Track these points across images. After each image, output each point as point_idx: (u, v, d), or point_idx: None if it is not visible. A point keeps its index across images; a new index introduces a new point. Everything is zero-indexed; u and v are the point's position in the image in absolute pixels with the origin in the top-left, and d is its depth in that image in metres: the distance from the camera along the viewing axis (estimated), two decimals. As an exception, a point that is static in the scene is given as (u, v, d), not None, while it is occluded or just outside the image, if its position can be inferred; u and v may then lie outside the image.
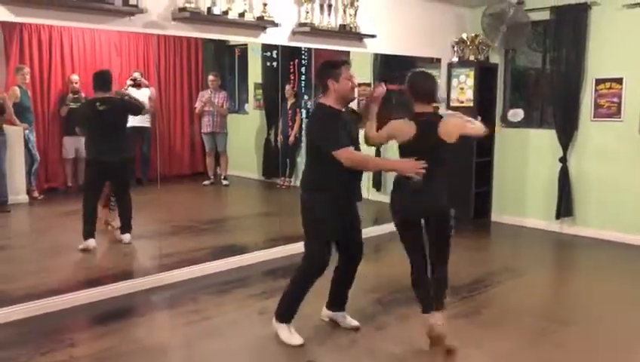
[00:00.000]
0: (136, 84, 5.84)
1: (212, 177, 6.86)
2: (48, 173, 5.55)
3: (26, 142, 5.08)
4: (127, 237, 4.97)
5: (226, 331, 3.62)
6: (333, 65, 3.38)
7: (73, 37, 5.47)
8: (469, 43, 6.46)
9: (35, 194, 5.20)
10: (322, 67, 3.45)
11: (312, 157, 3.49)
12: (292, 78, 6.73)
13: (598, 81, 5.90)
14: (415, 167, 3.21)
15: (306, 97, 6.98)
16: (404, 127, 3.31)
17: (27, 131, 5.05)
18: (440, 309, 3.35)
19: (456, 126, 3.37)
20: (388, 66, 6.68)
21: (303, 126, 6.80)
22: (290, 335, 3.41)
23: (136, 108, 5.13)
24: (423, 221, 3.47)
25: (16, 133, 5.01)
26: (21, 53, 5.13)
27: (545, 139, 6.31)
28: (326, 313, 3.71)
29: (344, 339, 3.52)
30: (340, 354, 3.36)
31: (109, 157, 4.77)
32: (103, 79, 4.92)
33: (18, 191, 5.14)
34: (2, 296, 3.88)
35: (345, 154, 3.22)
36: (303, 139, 6.74)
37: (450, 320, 3.82)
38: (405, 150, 3.34)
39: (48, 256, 4.70)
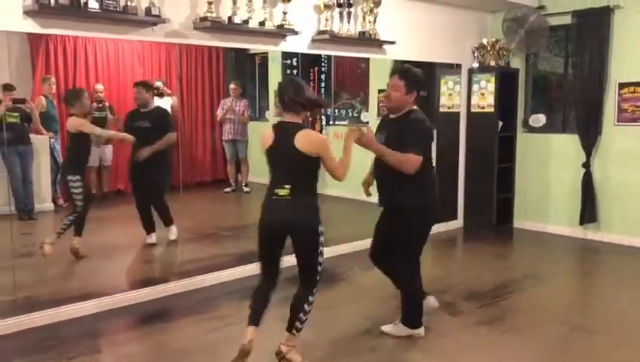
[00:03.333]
0: (159, 93, 5.92)
1: (233, 184, 6.91)
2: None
3: (52, 150, 5.17)
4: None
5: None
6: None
7: (97, 47, 5.57)
8: (489, 48, 6.43)
9: (60, 201, 5.28)
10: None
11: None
12: (312, 85, 6.76)
13: (622, 85, 5.82)
14: None
15: (326, 104, 7.00)
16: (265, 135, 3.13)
17: (53, 140, 5.14)
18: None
19: (312, 143, 3.00)
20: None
21: (323, 132, 6.83)
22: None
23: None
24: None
25: (42, 142, 5.10)
26: (47, 63, 5.23)
27: (567, 144, 6.24)
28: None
29: (367, 346, 3.51)
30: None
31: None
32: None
33: (44, 198, 5.24)
34: (29, 302, 3.96)
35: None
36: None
37: (473, 327, 3.81)
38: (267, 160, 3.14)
39: (73, 263, 4.77)
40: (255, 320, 3.13)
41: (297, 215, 3.02)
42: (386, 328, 3.67)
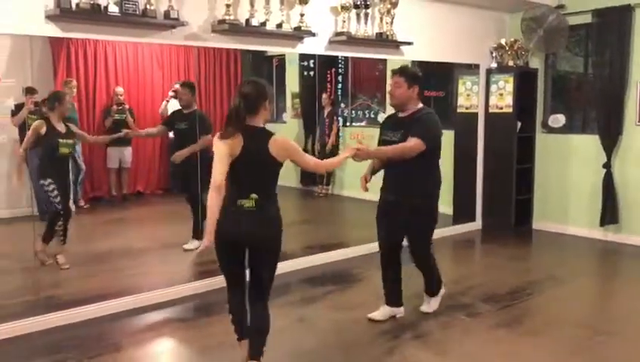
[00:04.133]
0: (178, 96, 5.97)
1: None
2: (93, 182, 5.73)
3: (73, 153, 5.24)
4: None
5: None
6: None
7: (117, 51, 5.65)
8: (507, 48, 6.39)
9: (81, 203, 5.36)
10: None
11: (423, 161, 3.57)
12: (329, 86, 6.77)
13: (643, 84, 5.75)
14: None
15: (342, 105, 7.01)
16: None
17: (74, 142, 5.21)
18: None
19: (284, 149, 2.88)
20: (426, 73, 6.66)
21: (340, 134, 6.84)
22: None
23: None
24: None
25: (63, 144, 5.18)
26: (68, 67, 5.32)
27: (588, 144, 6.17)
28: (387, 310, 3.90)
29: (384, 347, 3.51)
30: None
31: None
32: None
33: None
34: (51, 301, 4.03)
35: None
36: (341, 147, 6.77)
37: (491, 329, 3.79)
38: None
39: (95, 263, 4.84)
40: (243, 332, 3.05)
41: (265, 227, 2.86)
42: (425, 308, 4.01)
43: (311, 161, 3.11)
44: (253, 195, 2.79)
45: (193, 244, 5.05)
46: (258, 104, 2.85)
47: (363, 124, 6.93)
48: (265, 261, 2.91)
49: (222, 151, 2.78)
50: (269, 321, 2.97)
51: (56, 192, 4.57)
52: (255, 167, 2.82)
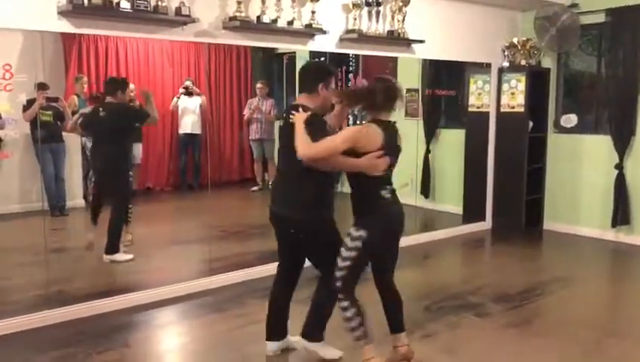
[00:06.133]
0: (188, 93, 6.00)
1: (260, 183, 6.96)
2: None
3: (83, 148, 5.27)
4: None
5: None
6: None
7: (128, 47, 5.66)
8: (520, 47, 6.34)
9: (91, 198, 5.38)
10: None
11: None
12: (339, 84, 6.75)
13: (657, 85, 5.69)
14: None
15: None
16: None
17: (84, 138, 5.24)
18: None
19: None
20: (437, 72, 6.64)
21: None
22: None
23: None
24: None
25: (74, 140, 5.21)
26: (79, 63, 5.34)
27: (600, 145, 6.11)
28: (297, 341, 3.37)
29: (391, 346, 3.49)
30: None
31: None
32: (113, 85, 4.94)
33: (75, 195, 5.36)
34: (60, 296, 4.04)
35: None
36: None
37: (501, 330, 3.77)
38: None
39: (103, 258, 4.85)
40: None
41: None
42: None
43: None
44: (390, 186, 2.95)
45: None
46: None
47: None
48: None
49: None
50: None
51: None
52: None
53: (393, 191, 2.98)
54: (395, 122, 2.98)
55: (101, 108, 4.81)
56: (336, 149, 2.81)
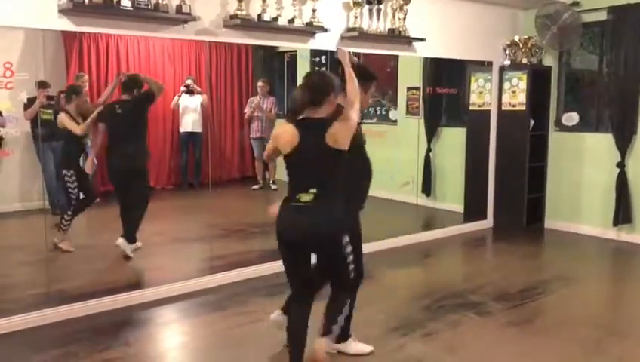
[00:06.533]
0: (189, 91, 5.99)
1: (261, 182, 6.95)
2: (105, 177, 5.74)
3: (84, 147, 5.26)
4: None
5: (274, 334, 3.65)
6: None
7: (129, 45, 5.66)
8: (521, 45, 6.33)
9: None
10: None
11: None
12: (340, 83, 6.75)
13: (659, 83, 5.68)
14: None
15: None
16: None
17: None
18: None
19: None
20: (438, 70, 6.63)
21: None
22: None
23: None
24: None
25: (75, 138, 5.20)
26: (80, 61, 5.34)
27: (601, 143, 6.10)
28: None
29: (393, 344, 3.49)
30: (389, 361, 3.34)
31: None
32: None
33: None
34: (62, 294, 4.04)
35: None
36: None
37: (501, 328, 3.76)
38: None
39: (106, 256, 4.86)
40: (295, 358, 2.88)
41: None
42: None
43: (354, 114, 2.75)
44: (313, 190, 2.66)
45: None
46: (322, 97, 2.73)
47: (374, 120, 6.90)
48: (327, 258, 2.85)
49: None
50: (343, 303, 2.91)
51: (75, 184, 4.77)
52: (314, 160, 2.69)
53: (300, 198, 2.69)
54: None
55: (117, 106, 4.87)
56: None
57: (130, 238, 4.86)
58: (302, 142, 2.68)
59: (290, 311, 3.01)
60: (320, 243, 2.74)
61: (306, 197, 2.66)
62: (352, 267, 2.86)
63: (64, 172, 4.75)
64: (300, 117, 2.74)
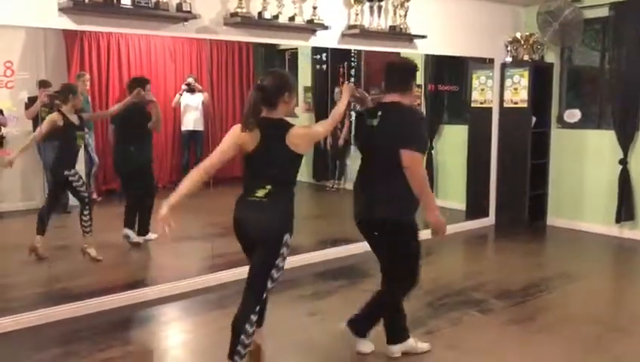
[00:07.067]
0: (191, 89, 5.99)
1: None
2: (106, 175, 5.75)
3: (86, 145, 5.27)
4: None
5: (275, 331, 3.64)
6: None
7: (130, 44, 5.66)
8: (523, 42, 6.31)
9: (94, 195, 5.38)
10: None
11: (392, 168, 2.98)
12: (341, 80, 6.74)
13: (661, 79, 5.65)
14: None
15: (355, 99, 6.97)
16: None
17: (87, 135, 5.24)
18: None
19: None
20: (439, 67, 6.61)
21: (352, 128, 6.80)
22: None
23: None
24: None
25: (76, 137, 5.20)
26: (81, 60, 5.34)
27: (604, 140, 6.08)
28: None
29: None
30: (390, 358, 3.33)
31: None
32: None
33: (78, 193, 5.34)
34: (63, 293, 4.05)
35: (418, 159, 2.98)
36: (352, 140, 6.74)
37: (503, 326, 3.76)
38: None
39: (106, 255, 4.86)
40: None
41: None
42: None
43: (322, 129, 3.03)
44: (268, 186, 2.72)
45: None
46: (277, 97, 2.76)
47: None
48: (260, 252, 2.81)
49: (230, 142, 2.79)
50: (246, 319, 2.77)
51: (82, 181, 4.73)
52: (272, 160, 2.75)
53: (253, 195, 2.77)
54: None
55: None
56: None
57: (146, 231, 5.08)
58: (262, 140, 2.73)
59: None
60: (261, 238, 2.78)
61: (260, 193, 2.73)
62: (278, 270, 2.80)
63: (66, 173, 4.64)
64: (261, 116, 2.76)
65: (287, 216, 2.78)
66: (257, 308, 2.81)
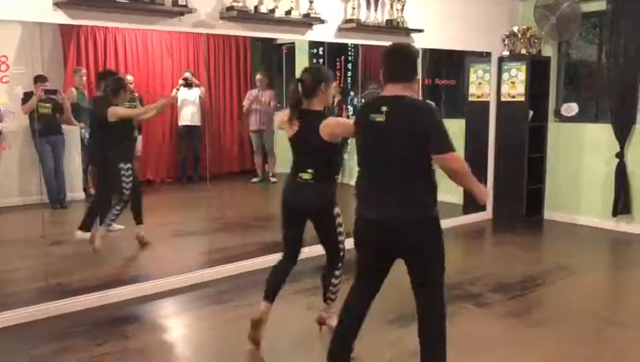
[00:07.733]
0: (188, 84, 5.97)
1: (260, 175, 6.94)
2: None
3: (83, 141, 5.26)
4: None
5: (273, 326, 3.65)
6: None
7: (126, 39, 5.64)
8: (520, 36, 6.31)
9: (91, 191, 5.38)
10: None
11: (418, 164, 2.80)
12: (338, 75, 6.72)
13: (658, 73, 5.66)
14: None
15: (352, 94, 6.96)
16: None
17: (83, 131, 5.23)
18: None
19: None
20: (436, 61, 6.60)
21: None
22: None
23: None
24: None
25: (73, 132, 5.21)
26: (78, 55, 5.31)
27: (600, 134, 6.09)
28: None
29: (391, 336, 3.50)
30: (385, 351, 3.34)
31: None
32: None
33: (75, 188, 5.36)
34: (60, 289, 4.05)
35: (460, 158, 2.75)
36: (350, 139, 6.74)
37: (500, 319, 3.77)
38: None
39: (105, 250, 4.85)
40: (269, 296, 3.30)
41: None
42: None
43: (333, 122, 3.15)
44: (310, 170, 3.12)
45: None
46: (314, 88, 3.10)
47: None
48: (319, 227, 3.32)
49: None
50: (332, 278, 3.44)
51: (131, 177, 4.77)
52: (309, 148, 3.12)
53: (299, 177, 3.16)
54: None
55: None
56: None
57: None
58: (300, 129, 3.12)
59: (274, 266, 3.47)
60: (315, 211, 3.24)
61: (305, 176, 3.14)
62: (340, 234, 3.32)
63: (120, 165, 4.68)
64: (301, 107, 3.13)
65: (330, 195, 3.21)
66: (340, 264, 3.40)
